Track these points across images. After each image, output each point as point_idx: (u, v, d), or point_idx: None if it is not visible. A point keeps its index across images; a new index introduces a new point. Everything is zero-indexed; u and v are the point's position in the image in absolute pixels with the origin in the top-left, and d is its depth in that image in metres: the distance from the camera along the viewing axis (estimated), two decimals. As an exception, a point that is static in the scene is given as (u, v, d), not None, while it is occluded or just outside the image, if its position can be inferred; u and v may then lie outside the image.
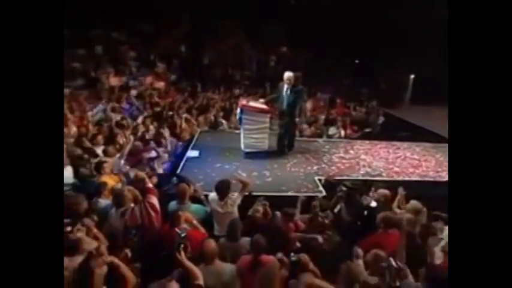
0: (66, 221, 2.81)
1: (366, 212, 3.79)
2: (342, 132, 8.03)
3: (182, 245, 2.62)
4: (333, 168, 5.40)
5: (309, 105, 10.87)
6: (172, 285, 2.34)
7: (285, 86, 5.63)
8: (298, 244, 3.15)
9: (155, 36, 15.54)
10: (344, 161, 5.77)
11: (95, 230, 2.88)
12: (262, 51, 16.38)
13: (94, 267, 2.29)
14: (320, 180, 4.82)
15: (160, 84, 11.04)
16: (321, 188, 4.58)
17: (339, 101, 11.06)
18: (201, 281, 2.47)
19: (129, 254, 2.77)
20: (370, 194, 4.31)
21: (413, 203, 4.00)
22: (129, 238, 3.10)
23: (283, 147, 5.91)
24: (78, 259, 2.50)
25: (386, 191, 4.32)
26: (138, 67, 12.42)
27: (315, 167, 5.36)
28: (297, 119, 5.85)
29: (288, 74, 5.63)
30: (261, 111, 5.38)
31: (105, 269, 2.38)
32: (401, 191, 4.38)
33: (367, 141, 7.02)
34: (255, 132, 5.41)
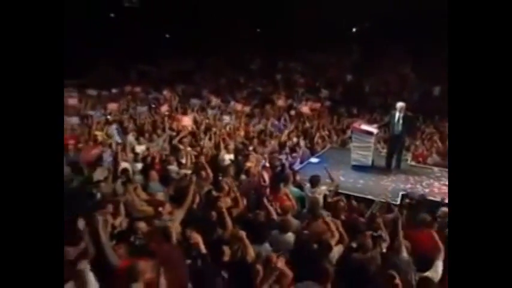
0: (219, 175, 5.34)
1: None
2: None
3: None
4: (426, 190, 6.20)
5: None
6: (261, 212, 4.38)
7: (397, 114, 6.85)
8: (343, 217, 4.64)
9: (324, 65, 17.98)
10: (444, 187, 6.38)
11: (231, 185, 5.25)
12: (428, 81, 16.29)
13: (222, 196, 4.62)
14: (403, 195, 5.85)
15: (317, 106, 13.19)
16: (398, 199, 5.66)
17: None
18: (274, 217, 4.44)
19: (245, 202, 4.98)
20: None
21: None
22: (249, 194, 5.37)
23: (390, 165, 7.06)
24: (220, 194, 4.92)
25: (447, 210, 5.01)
26: (303, 92, 15.09)
27: (408, 186, 6.34)
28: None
29: (400, 104, 6.85)
30: (367, 132, 6.82)
31: (229, 200, 4.68)
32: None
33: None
34: (361, 149, 6.88)
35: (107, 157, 5.98)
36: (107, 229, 3.47)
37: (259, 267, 3.06)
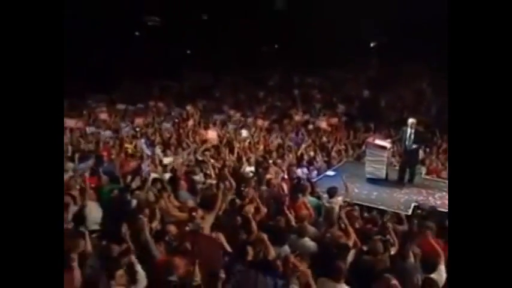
0: (242, 185, 5.83)
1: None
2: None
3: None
4: (438, 202, 6.49)
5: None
6: (282, 219, 4.85)
7: (408, 130, 7.22)
8: (357, 225, 5.03)
9: (341, 81, 18.33)
10: (455, 200, 6.64)
11: (254, 194, 5.72)
12: (445, 96, 16.32)
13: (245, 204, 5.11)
14: (415, 206, 6.17)
15: (334, 121, 13.57)
16: (410, 210, 5.99)
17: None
18: (293, 223, 4.88)
19: (265, 210, 5.44)
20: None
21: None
22: (270, 203, 5.83)
23: (403, 179, 7.39)
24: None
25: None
26: (320, 107, 15.50)
27: (420, 197, 6.65)
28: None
29: (410, 120, 7.24)
30: (381, 147, 7.20)
31: (252, 208, 5.15)
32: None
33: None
34: (375, 163, 7.25)
35: (145, 167, 6.60)
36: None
37: (278, 263, 3.52)
